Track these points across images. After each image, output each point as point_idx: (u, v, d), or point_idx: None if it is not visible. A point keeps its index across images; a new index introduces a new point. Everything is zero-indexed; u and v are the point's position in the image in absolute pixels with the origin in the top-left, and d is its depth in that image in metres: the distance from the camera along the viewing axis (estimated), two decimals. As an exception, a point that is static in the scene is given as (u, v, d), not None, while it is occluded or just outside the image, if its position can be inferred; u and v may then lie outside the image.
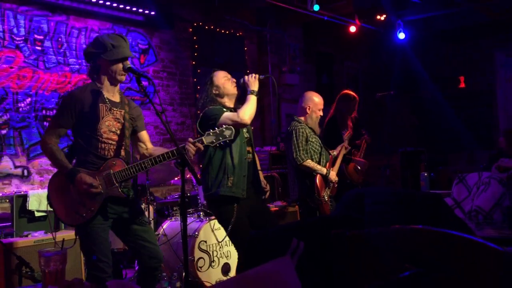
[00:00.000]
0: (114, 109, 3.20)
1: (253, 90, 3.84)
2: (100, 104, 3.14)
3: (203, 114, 3.78)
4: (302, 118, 4.87)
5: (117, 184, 3.11)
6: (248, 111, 3.70)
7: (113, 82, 3.22)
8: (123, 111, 3.24)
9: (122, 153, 3.24)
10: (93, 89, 3.18)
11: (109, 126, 3.16)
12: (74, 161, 3.21)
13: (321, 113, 4.90)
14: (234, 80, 3.96)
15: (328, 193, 4.77)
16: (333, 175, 4.79)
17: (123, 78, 3.23)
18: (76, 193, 3.07)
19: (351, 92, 5.78)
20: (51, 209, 3.18)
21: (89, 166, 3.12)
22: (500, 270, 1.10)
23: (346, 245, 1.55)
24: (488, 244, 1.15)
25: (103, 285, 3.23)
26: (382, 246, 1.46)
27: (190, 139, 3.16)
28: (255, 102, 3.80)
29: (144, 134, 3.44)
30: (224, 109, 3.79)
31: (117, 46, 3.12)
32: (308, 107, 4.85)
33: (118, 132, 3.21)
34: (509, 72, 9.74)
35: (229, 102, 3.92)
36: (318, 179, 4.72)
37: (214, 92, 3.88)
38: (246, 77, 3.92)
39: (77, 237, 3.21)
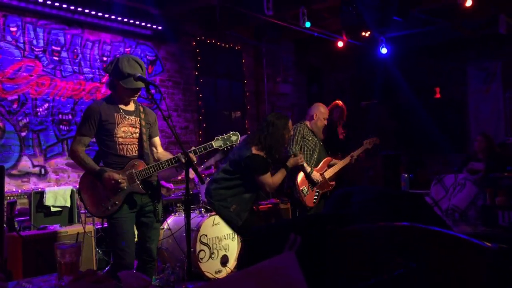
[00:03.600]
0: (129, 116, 3.27)
1: (287, 166, 4.11)
2: (115, 114, 3.23)
3: (254, 157, 3.86)
4: (307, 122, 4.99)
5: (138, 182, 3.21)
6: (278, 182, 3.98)
7: (126, 100, 3.30)
8: (138, 118, 3.30)
9: (142, 154, 3.30)
10: (109, 101, 3.28)
11: (125, 131, 3.24)
12: (101, 164, 3.32)
13: (325, 122, 5.02)
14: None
15: (307, 188, 4.74)
16: (316, 175, 4.77)
17: (135, 98, 3.33)
18: (103, 189, 3.17)
19: (340, 102, 5.90)
20: (81, 203, 3.28)
21: (114, 166, 3.22)
22: (484, 265, 1.07)
23: (340, 240, 1.51)
24: (473, 240, 1.12)
25: (116, 275, 3.24)
26: (373, 241, 1.43)
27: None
28: (284, 174, 4.07)
29: (156, 140, 3.50)
30: (268, 161, 3.91)
31: (133, 75, 3.15)
32: (315, 114, 4.97)
33: (135, 135, 3.28)
34: (479, 84, 9.76)
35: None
36: (299, 174, 4.73)
37: (277, 141, 3.95)
38: (297, 158, 4.22)
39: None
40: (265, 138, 3.90)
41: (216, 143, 3.36)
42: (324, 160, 4.94)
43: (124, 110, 3.27)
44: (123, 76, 3.15)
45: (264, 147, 3.89)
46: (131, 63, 3.18)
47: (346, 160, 5.03)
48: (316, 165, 4.87)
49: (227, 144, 3.38)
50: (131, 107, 3.33)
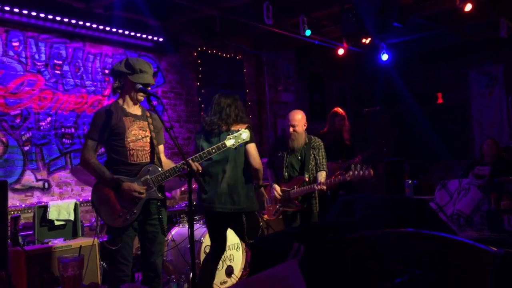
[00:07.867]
0: (137, 120, 3.25)
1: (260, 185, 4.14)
2: (123, 118, 3.20)
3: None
4: None
5: (154, 188, 3.16)
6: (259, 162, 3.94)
7: (133, 100, 3.27)
8: (146, 122, 3.28)
9: (155, 158, 3.26)
10: (117, 106, 3.24)
11: (135, 134, 3.20)
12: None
13: (291, 128, 4.55)
14: None
15: (271, 200, 4.70)
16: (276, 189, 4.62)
17: (142, 98, 3.27)
18: (119, 199, 3.09)
19: (339, 110, 5.87)
20: (96, 214, 3.19)
21: (124, 175, 3.14)
22: (490, 270, 1.05)
23: (343, 247, 1.50)
24: (479, 245, 1.10)
25: (118, 286, 3.19)
26: (377, 248, 1.41)
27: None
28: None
29: (161, 147, 3.44)
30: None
31: (144, 72, 3.20)
32: None
33: (145, 139, 3.24)
34: (482, 88, 9.75)
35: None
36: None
37: (241, 111, 3.97)
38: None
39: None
40: (234, 115, 3.87)
41: (228, 142, 3.24)
42: (295, 178, 4.59)
43: (132, 114, 3.24)
44: (133, 71, 3.17)
45: (236, 120, 3.87)
46: (140, 62, 3.25)
47: (313, 188, 4.44)
48: (287, 181, 4.61)
49: (238, 142, 3.26)
50: (138, 111, 3.30)
